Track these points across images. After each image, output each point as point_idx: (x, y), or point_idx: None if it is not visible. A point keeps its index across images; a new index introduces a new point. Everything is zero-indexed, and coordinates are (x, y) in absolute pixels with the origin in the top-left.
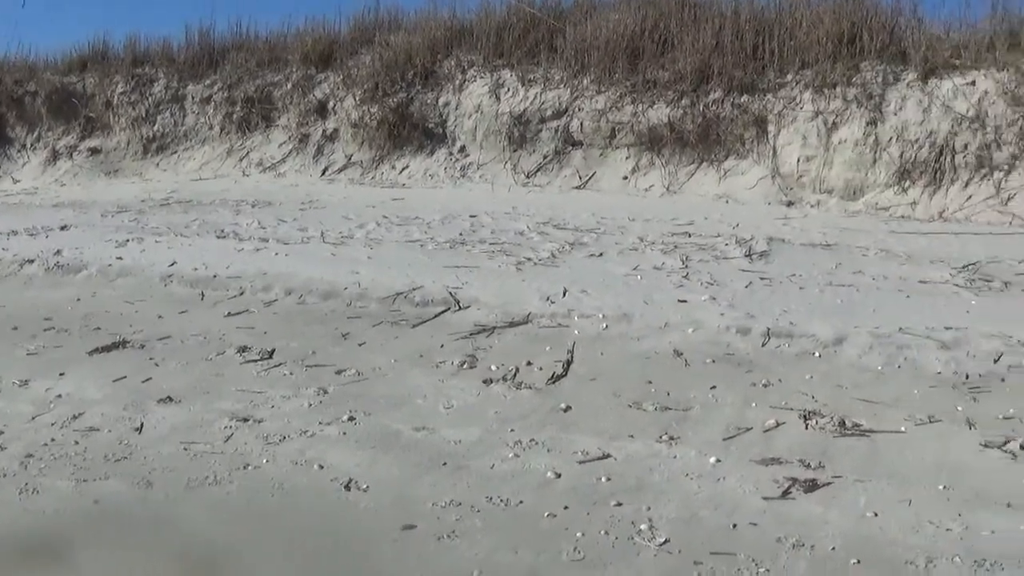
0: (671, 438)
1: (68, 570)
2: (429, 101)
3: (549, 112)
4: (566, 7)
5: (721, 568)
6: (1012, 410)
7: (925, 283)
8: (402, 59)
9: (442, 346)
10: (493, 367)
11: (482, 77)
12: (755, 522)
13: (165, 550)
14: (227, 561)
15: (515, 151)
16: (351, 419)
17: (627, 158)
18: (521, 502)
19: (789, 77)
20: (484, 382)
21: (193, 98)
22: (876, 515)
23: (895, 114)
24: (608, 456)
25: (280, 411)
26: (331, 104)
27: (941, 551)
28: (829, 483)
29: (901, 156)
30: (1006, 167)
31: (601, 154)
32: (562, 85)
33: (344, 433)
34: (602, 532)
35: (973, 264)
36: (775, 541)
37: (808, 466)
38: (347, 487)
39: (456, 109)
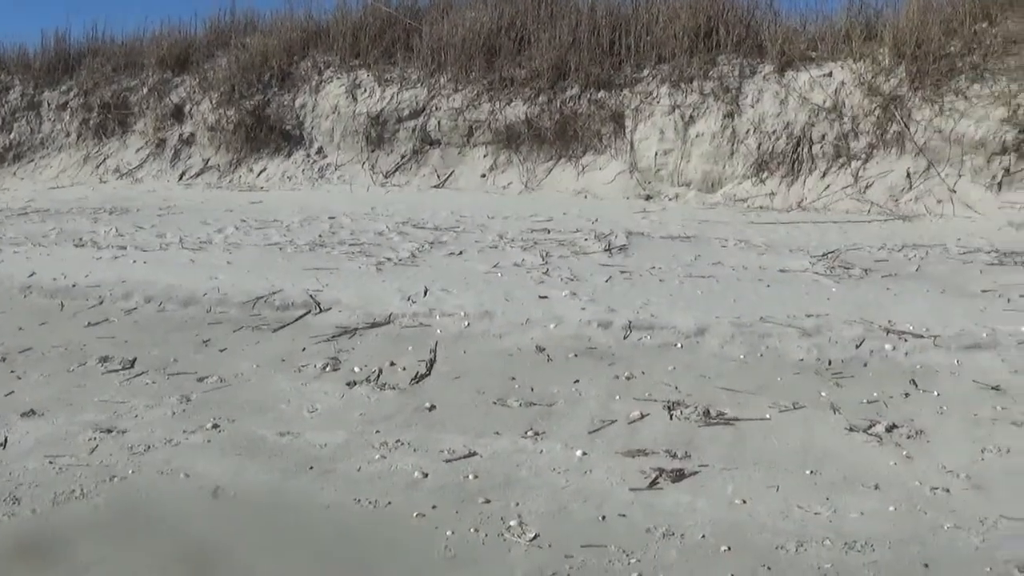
0: (536, 433)
1: None
2: (286, 103)
3: (406, 112)
4: (422, 6)
5: (592, 561)
6: (876, 394)
7: (785, 272)
8: (258, 61)
9: (304, 349)
10: (356, 369)
11: (339, 78)
12: (624, 513)
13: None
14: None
15: (373, 151)
16: (215, 427)
17: (485, 156)
18: (389, 503)
19: (646, 72)
20: (347, 384)
21: (49, 105)
22: (744, 502)
23: (752, 106)
24: (475, 454)
25: (144, 421)
26: (188, 108)
27: (811, 535)
28: (696, 472)
29: (759, 148)
30: (863, 156)
31: (459, 152)
32: (419, 84)
33: (209, 441)
34: (472, 530)
35: (832, 252)
36: (645, 531)
37: (674, 456)
38: (215, 495)
39: (313, 110)
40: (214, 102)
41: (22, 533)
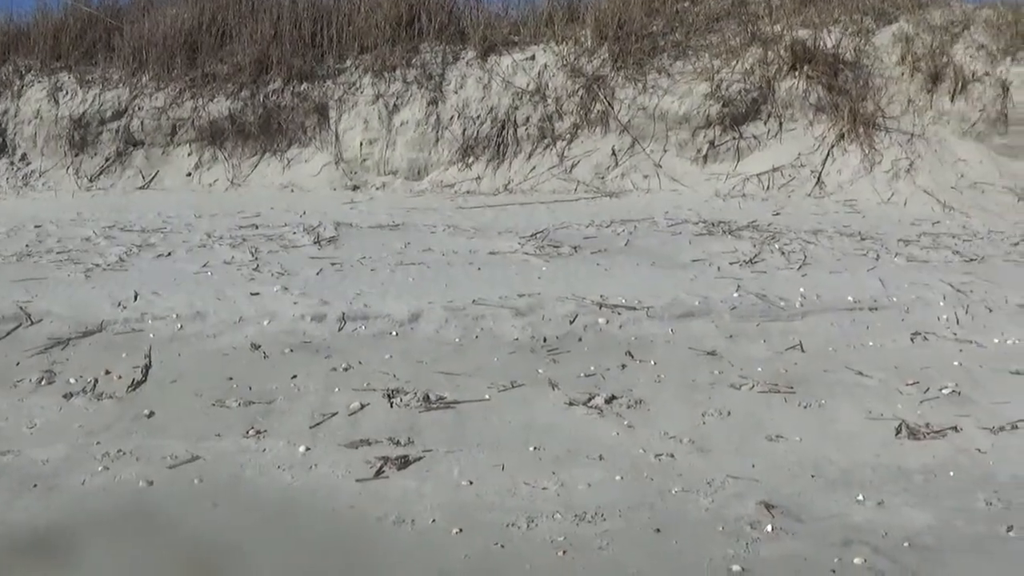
0: (258, 432)
1: None
2: None
3: (109, 113)
4: (123, 5)
5: (327, 552)
6: (592, 367)
7: (495, 254)
8: None
9: (18, 364)
10: (72, 380)
11: (40, 81)
12: (353, 505)
13: None
14: None
15: (77, 155)
16: None
17: (190, 154)
18: (118, 514)
19: (348, 63)
20: (64, 396)
21: None
22: (471, 483)
23: (456, 92)
24: (198, 458)
25: None
26: None
27: (540, 510)
28: (421, 457)
29: (464, 133)
30: (568, 136)
31: (163, 152)
32: (121, 84)
33: None
34: (204, 534)
35: (541, 232)
36: (376, 520)
37: (398, 443)
38: None
39: (15, 116)
40: None
41: None
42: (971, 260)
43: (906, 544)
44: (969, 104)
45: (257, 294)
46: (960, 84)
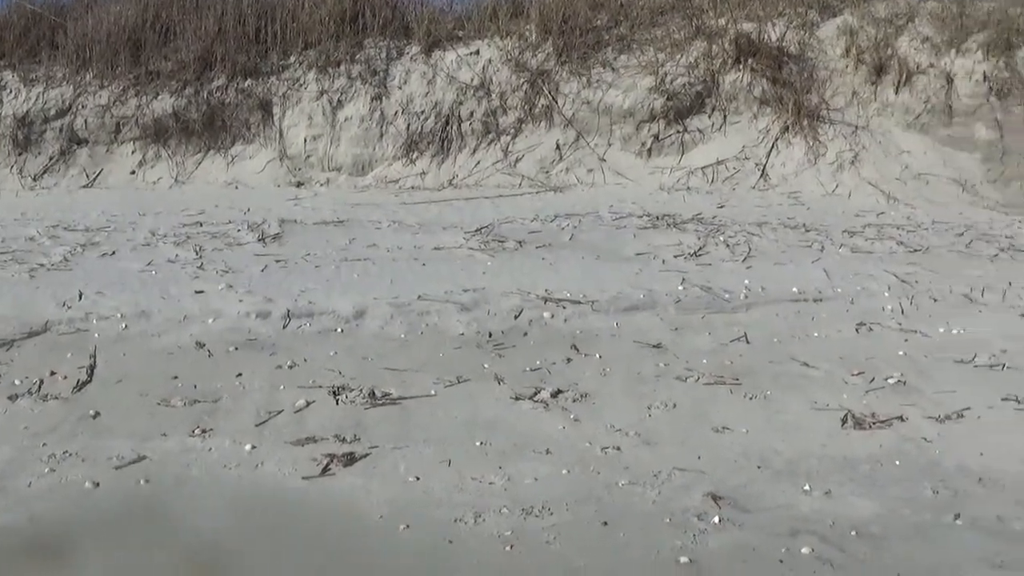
0: (204, 431)
1: None
2: None
3: (53, 111)
4: (67, 2)
5: (276, 550)
6: (538, 362)
7: (440, 250)
8: None
9: None
10: (17, 381)
11: None
12: (300, 502)
13: None
14: None
15: (20, 154)
16: None
17: (134, 152)
18: (64, 517)
19: (292, 59)
20: (9, 398)
21: None
22: (418, 479)
23: (400, 88)
24: (144, 458)
25: None
26: None
27: (488, 504)
28: (367, 454)
29: (408, 128)
30: (513, 131)
31: (107, 150)
32: (65, 82)
33: None
34: (150, 534)
35: (486, 227)
36: (322, 518)
37: (344, 440)
38: None
39: None
40: None
41: None
42: (915, 251)
43: (853, 533)
44: (913, 96)
45: (202, 292)
46: (905, 76)
